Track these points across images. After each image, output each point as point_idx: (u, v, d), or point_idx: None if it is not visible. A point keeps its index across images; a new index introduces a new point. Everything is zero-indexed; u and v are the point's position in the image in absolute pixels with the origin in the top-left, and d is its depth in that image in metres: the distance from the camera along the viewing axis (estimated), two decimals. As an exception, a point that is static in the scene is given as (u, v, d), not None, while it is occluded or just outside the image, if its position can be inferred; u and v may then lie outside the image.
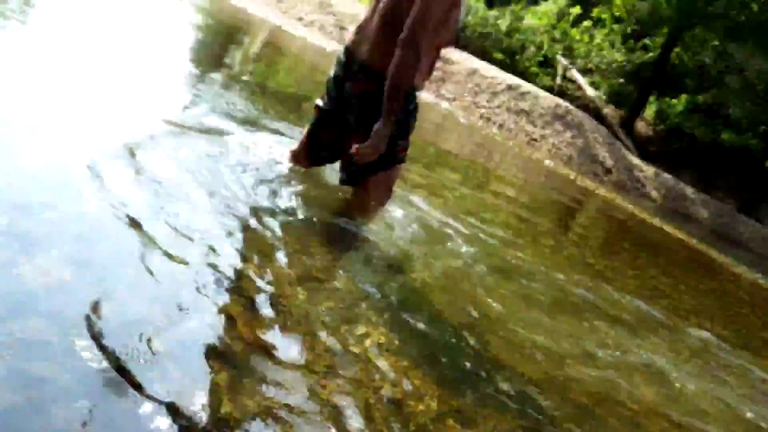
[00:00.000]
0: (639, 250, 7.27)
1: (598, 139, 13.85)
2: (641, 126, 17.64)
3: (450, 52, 14.66)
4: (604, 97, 17.40)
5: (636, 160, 14.50)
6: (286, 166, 3.04)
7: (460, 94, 13.48)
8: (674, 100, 17.27)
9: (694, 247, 9.29)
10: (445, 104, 12.53)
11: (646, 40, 18.57)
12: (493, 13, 17.92)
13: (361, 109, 2.55)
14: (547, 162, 11.01)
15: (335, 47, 12.25)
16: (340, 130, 2.72)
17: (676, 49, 17.34)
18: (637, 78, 17.74)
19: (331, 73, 2.73)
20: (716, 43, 16.74)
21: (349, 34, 2.70)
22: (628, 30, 18.86)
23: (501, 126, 13.05)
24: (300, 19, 13.54)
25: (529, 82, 15.62)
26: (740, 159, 16.73)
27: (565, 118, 13.71)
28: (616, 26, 18.80)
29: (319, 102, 2.82)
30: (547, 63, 17.98)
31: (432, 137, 7.91)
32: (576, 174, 11.40)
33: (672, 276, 6.18)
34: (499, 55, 16.96)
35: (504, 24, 17.50)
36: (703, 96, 16.77)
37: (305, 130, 2.94)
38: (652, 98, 17.60)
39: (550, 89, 16.38)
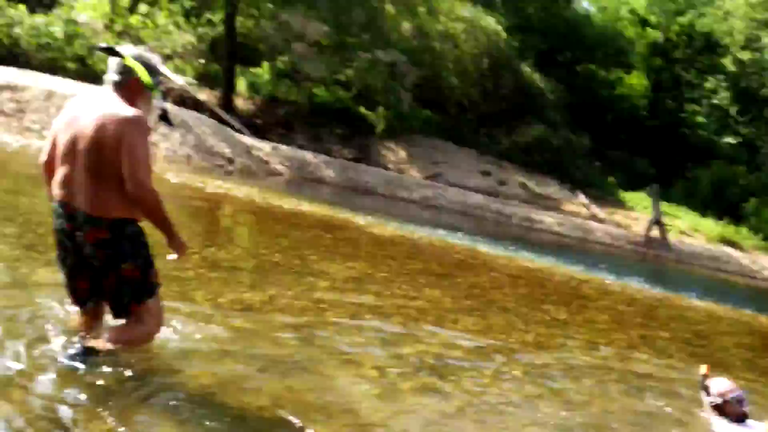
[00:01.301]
0: (273, 239, 7.37)
1: (206, 131, 13.84)
2: (240, 102, 18.07)
3: (14, 76, 12.86)
4: (194, 82, 17.27)
5: (250, 140, 14.89)
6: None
7: (47, 122, 12.03)
8: (259, 70, 18.03)
9: (320, 215, 9.66)
10: (36, 140, 11.04)
11: (208, 15, 18.83)
12: (41, 19, 16.11)
13: (102, 255, 2.74)
14: (170, 175, 10.30)
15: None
16: (91, 275, 2.83)
17: (240, 19, 17.94)
18: (215, 54, 17.99)
19: (56, 225, 2.82)
20: (271, 6, 17.84)
21: (55, 189, 2.80)
22: (187, 6, 18.85)
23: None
24: None
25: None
26: (339, 112, 18.35)
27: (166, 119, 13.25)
28: (172, 6, 18.56)
29: (59, 258, 2.88)
30: (122, 60, 16.95)
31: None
32: (202, 175, 11.22)
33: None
34: (71, 65, 15.50)
35: (59, 31, 15.91)
36: (280, 61, 17.86)
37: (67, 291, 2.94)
38: (239, 71, 18.05)
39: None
